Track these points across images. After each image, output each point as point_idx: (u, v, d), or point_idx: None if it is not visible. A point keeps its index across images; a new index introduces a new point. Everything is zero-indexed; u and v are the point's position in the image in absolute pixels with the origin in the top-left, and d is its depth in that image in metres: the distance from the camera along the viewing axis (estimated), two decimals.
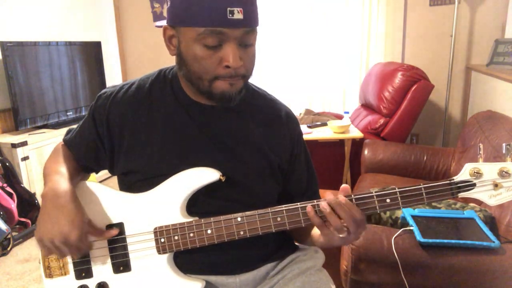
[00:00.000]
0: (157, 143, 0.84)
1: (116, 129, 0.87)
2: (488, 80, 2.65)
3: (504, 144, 0.72)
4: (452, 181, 0.72)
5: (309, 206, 0.75)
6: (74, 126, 0.97)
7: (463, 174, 0.72)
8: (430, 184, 0.72)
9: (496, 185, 0.70)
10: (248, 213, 0.79)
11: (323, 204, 0.73)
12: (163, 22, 0.89)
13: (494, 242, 1.28)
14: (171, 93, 0.87)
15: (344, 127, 2.59)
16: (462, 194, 0.72)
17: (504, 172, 0.69)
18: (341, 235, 0.74)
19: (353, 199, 0.74)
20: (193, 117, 0.85)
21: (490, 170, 0.70)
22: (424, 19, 3.31)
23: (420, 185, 0.72)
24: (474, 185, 0.71)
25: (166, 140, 0.84)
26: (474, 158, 1.94)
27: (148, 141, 0.85)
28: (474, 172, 0.71)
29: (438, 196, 0.72)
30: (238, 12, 0.72)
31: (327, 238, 0.77)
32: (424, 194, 0.72)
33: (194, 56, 0.76)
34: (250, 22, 0.75)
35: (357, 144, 2.64)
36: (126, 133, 0.86)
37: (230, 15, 0.71)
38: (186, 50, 0.77)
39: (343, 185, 0.75)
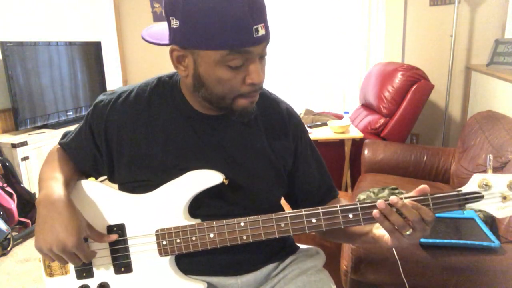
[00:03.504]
0: (158, 154, 0.83)
1: (115, 140, 0.85)
2: (488, 80, 2.65)
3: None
4: (459, 192, 0.70)
5: (375, 211, 0.70)
6: (71, 129, 0.94)
7: (471, 185, 0.70)
8: (438, 195, 0.70)
9: (504, 198, 0.68)
10: (251, 218, 0.78)
11: (380, 203, 0.70)
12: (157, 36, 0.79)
13: (494, 242, 1.28)
14: (172, 103, 0.85)
15: (344, 127, 2.60)
16: (469, 206, 0.70)
17: None
18: (407, 233, 0.71)
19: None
20: (194, 127, 0.84)
21: (499, 181, 0.69)
22: (424, 19, 3.31)
23: (427, 195, 0.71)
24: (482, 197, 0.69)
25: (167, 150, 0.83)
26: (474, 158, 1.94)
27: (149, 152, 0.83)
28: (483, 183, 0.69)
29: (445, 207, 0.70)
30: (261, 28, 0.70)
31: (397, 241, 0.72)
32: (431, 205, 0.70)
33: (218, 79, 0.73)
34: (269, 34, 0.74)
35: (357, 144, 2.64)
36: (126, 144, 0.84)
37: (256, 33, 0.69)
38: (207, 73, 0.73)
39: (422, 186, 0.72)
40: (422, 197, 0.71)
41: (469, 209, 1.51)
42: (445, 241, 1.31)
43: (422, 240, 1.31)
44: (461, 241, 1.30)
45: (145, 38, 0.82)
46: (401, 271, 1.29)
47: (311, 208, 0.76)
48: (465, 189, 0.71)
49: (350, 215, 0.74)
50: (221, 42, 0.68)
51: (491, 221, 1.47)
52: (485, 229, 1.36)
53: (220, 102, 0.77)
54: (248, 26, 0.68)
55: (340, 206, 0.75)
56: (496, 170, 1.63)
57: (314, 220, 0.75)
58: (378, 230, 0.79)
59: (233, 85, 0.73)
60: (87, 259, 0.78)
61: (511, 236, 1.37)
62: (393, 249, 1.31)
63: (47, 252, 0.74)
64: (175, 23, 0.71)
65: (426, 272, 1.29)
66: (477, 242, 1.29)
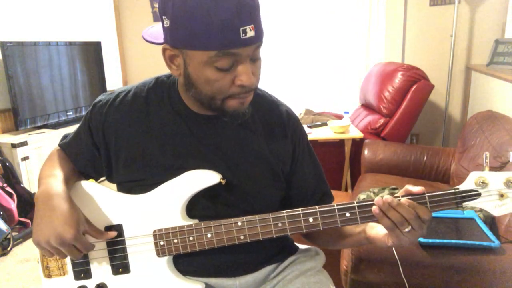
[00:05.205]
0: (155, 154, 0.83)
1: (112, 138, 0.85)
2: (488, 80, 2.65)
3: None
4: (456, 190, 0.70)
5: (375, 207, 0.70)
6: (71, 131, 0.95)
7: (468, 183, 0.70)
8: (435, 193, 0.70)
9: (501, 195, 0.68)
10: (248, 217, 0.77)
11: (378, 200, 0.70)
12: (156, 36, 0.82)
13: (494, 242, 1.28)
14: (169, 103, 0.85)
15: (344, 127, 2.59)
16: (466, 204, 0.70)
17: (510, 182, 0.68)
18: (406, 230, 0.70)
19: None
20: (191, 127, 0.84)
21: (496, 179, 0.68)
22: (424, 19, 3.31)
23: (424, 193, 0.71)
24: (479, 194, 0.69)
25: (164, 150, 0.83)
26: (474, 158, 1.94)
27: (146, 152, 0.83)
28: (480, 181, 0.69)
29: (442, 205, 0.70)
30: (250, 29, 0.68)
31: (397, 239, 0.72)
32: (428, 203, 0.70)
33: (205, 79, 0.72)
34: (260, 36, 0.72)
35: (357, 144, 2.64)
36: (123, 143, 0.84)
37: (243, 34, 0.67)
38: (196, 73, 0.73)
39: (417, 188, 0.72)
40: (419, 195, 0.71)
41: (469, 209, 1.52)
42: (445, 241, 1.31)
43: (422, 240, 1.31)
44: (461, 241, 1.30)
45: (144, 37, 0.82)
46: (401, 271, 1.29)
47: (308, 207, 0.76)
48: (462, 187, 0.70)
49: (347, 214, 0.74)
50: (207, 43, 0.67)
51: (491, 221, 1.47)
52: (485, 229, 1.36)
53: (211, 102, 0.76)
54: (235, 27, 0.66)
55: (337, 205, 0.74)
56: (496, 169, 1.63)
57: (311, 220, 0.75)
58: (373, 230, 0.79)
59: (221, 86, 0.72)
60: (86, 251, 0.77)
61: (511, 236, 1.37)
62: (393, 249, 1.31)
63: (45, 246, 0.74)
64: (166, 23, 0.71)
65: (426, 272, 1.29)
66: (477, 242, 1.29)
